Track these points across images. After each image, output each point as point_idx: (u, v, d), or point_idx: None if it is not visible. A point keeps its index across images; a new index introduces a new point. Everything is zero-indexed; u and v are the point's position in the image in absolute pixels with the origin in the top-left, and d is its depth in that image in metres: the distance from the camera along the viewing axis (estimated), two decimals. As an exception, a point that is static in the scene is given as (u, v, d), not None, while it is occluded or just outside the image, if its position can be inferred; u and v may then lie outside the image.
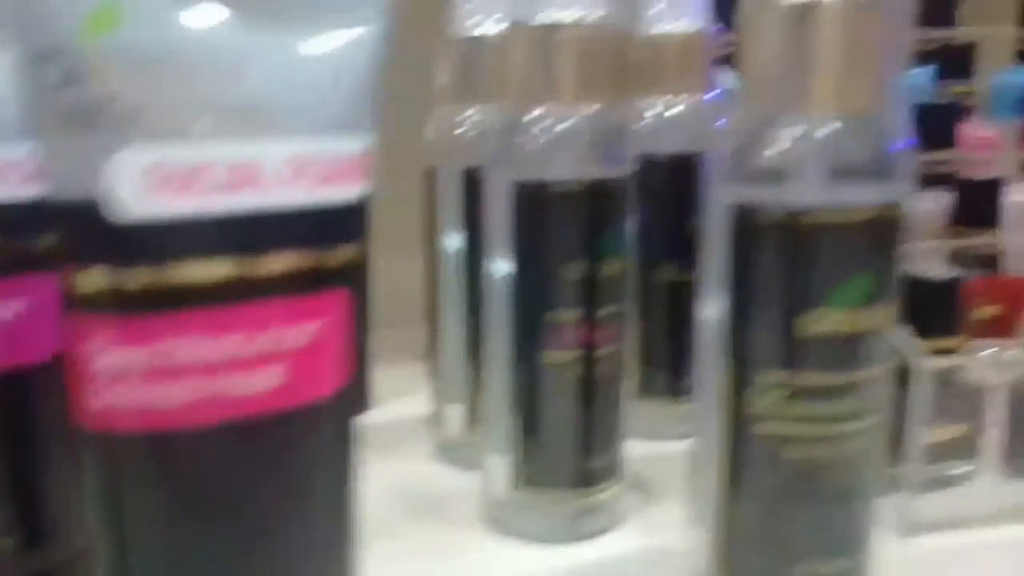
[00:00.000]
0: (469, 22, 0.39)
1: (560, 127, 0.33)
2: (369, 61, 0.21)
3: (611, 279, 0.34)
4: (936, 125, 0.48)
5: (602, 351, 0.34)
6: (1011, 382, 0.40)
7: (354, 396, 0.21)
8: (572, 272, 0.33)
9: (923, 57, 0.56)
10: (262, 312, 0.19)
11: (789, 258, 0.25)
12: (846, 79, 0.25)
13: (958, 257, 0.45)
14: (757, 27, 0.25)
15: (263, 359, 0.19)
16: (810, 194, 0.25)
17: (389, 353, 0.48)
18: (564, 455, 0.35)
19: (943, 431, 0.38)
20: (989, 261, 0.45)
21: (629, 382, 0.37)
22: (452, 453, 0.42)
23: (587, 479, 0.35)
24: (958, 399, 0.38)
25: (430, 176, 0.41)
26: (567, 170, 0.33)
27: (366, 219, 0.21)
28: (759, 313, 0.26)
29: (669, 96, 0.42)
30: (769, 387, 0.26)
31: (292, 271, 0.20)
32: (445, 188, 0.40)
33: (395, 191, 0.41)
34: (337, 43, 0.20)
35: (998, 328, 0.45)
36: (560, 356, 0.34)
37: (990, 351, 0.45)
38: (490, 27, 0.38)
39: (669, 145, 0.42)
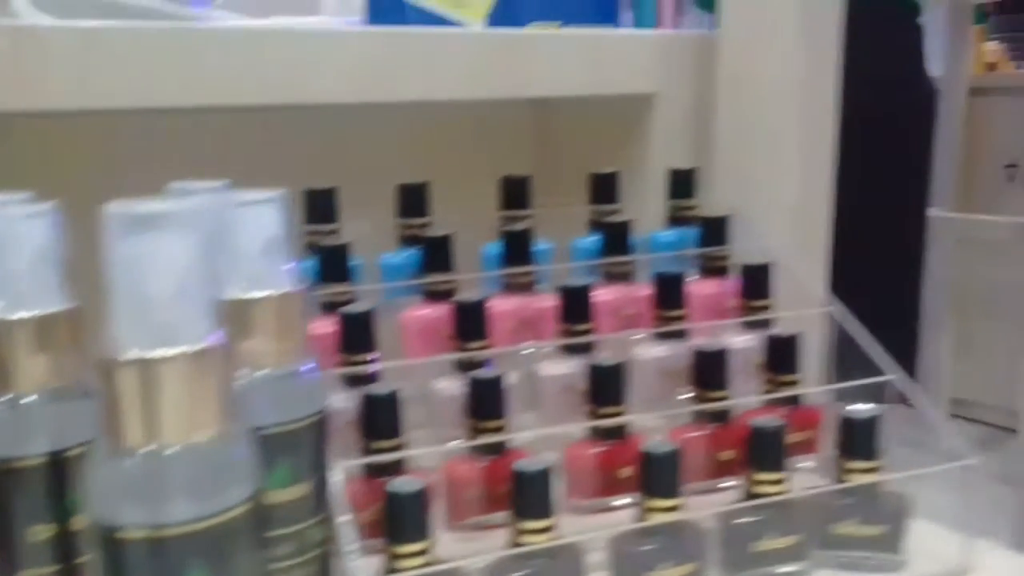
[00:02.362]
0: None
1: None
2: None
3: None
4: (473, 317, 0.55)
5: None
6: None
7: None
8: (37, 534, 0.36)
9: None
10: None
11: (140, 565, 0.29)
12: (187, 414, 0.30)
13: (474, 449, 0.51)
14: (106, 373, 0.29)
15: None
16: (157, 512, 0.29)
17: None
18: None
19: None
20: (498, 447, 0.51)
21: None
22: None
23: None
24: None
25: None
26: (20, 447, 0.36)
27: None
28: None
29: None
30: None
31: None
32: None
33: None
34: None
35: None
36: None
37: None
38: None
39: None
